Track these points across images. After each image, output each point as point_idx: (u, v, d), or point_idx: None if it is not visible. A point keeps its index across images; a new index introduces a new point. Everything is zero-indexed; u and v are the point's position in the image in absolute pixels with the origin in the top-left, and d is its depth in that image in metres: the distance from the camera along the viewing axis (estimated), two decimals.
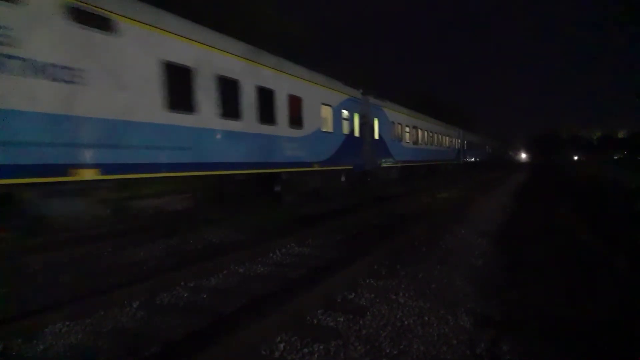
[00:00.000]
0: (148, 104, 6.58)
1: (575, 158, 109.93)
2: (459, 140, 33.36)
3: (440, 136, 26.88)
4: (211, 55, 7.89)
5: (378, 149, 16.27)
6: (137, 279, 4.49)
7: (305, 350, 2.93)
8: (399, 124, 18.87)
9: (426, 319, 3.45)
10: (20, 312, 3.64)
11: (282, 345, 3.00)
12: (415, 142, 21.54)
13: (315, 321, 3.45)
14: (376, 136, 16.24)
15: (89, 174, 5.66)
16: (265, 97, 9.36)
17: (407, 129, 20.21)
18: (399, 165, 18.77)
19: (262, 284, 4.52)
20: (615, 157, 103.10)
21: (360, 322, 3.39)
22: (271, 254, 5.76)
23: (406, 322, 3.39)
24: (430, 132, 24.43)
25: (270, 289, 4.33)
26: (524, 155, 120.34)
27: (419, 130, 22.17)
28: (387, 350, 2.93)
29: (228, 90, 8.25)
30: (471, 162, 38.69)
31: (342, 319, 3.45)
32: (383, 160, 16.85)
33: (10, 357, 3.00)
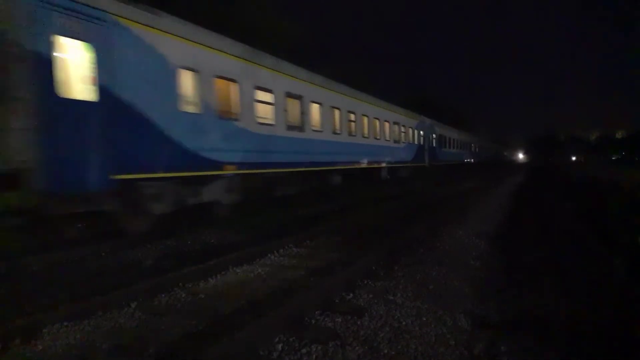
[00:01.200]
0: None
1: (574, 159, 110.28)
2: (422, 133, 22.61)
3: (379, 123, 16.59)
4: None
5: (77, 137, 5.74)
6: (135, 280, 4.49)
7: (304, 350, 2.93)
8: (217, 77, 8.13)
9: (424, 319, 3.46)
10: (18, 312, 3.64)
11: (280, 346, 3.00)
12: (298, 127, 10.83)
13: (313, 322, 3.45)
14: (72, 94, 5.88)
15: None
16: None
17: (266, 97, 9.57)
18: (231, 173, 8.37)
19: (260, 285, 4.52)
20: (614, 158, 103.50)
21: (358, 322, 3.40)
22: (269, 255, 5.77)
23: (404, 323, 3.39)
24: (351, 112, 14.09)
25: (268, 290, 4.34)
26: (521, 156, 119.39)
27: (312, 105, 11.64)
28: (385, 351, 2.93)
29: None
30: (448, 164, 28.24)
31: (340, 320, 3.46)
32: (124, 164, 6.28)
33: (9, 357, 3.00)
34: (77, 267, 5.33)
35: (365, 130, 15.51)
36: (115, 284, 4.42)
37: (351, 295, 4.04)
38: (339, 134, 13.25)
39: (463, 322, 3.42)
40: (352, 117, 14.31)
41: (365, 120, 15.50)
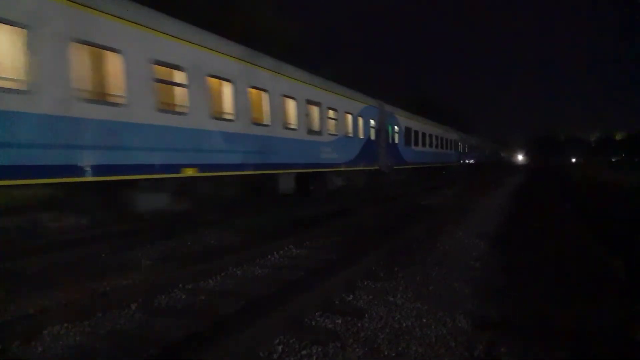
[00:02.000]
0: None
1: (573, 160, 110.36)
2: (374, 124, 15.77)
3: (275, 100, 9.84)
4: None
5: None
6: (135, 281, 4.49)
7: (304, 352, 2.93)
8: None
9: (424, 320, 3.46)
10: (18, 314, 3.63)
11: (280, 348, 3.00)
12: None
13: (313, 323, 3.45)
14: None
15: None
16: None
17: None
18: None
19: (260, 286, 4.52)
20: (613, 160, 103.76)
21: (359, 324, 3.40)
22: (269, 256, 5.77)
23: (404, 324, 3.39)
24: (191, 70, 7.33)
25: (268, 291, 4.33)
26: (520, 157, 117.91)
27: (55, 47, 5.25)
28: (386, 352, 2.93)
29: None
30: (418, 168, 21.53)
31: (340, 321, 3.46)
32: None
33: (9, 359, 3.00)
34: (77, 268, 5.32)
35: (232, 109, 8.56)
36: (115, 285, 4.42)
37: (351, 296, 4.04)
38: (162, 111, 6.87)
39: (463, 323, 3.42)
40: (206, 84, 7.76)
41: (241, 91, 8.67)
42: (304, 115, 11.13)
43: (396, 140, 18.16)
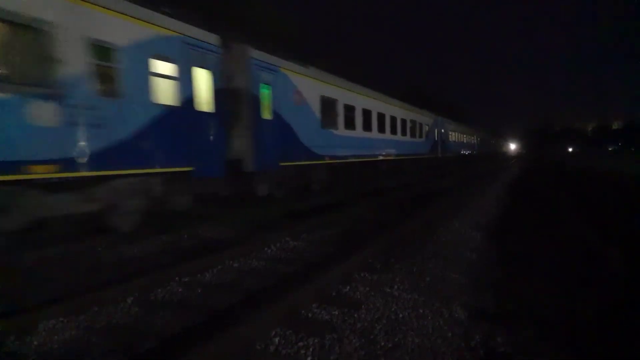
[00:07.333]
0: None
1: (570, 150, 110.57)
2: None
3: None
4: None
5: None
6: (131, 275, 4.47)
7: (300, 344, 2.93)
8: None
9: (421, 311, 3.46)
10: (13, 308, 3.61)
11: (277, 340, 3.00)
12: None
13: (310, 315, 3.45)
14: None
15: None
16: None
17: None
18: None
19: (256, 279, 4.51)
20: (610, 149, 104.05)
21: (355, 315, 3.40)
22: (266, 249, 5.76)
23: (401, 315, 3.40)
24: None
25: (264, 283, 4.33)
26: (513, 147, 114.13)
27: None
28: (382, 343, 2.93)
29: None
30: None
31: (336, 313, 3.46)
32: None
33: (3, 354, 2.98)
34: (73, 263, 5.30)
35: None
36: (111, 279, 4.40)
37: (348, 288, 4.04)
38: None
39: (460, 313, 3.43)
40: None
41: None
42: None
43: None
